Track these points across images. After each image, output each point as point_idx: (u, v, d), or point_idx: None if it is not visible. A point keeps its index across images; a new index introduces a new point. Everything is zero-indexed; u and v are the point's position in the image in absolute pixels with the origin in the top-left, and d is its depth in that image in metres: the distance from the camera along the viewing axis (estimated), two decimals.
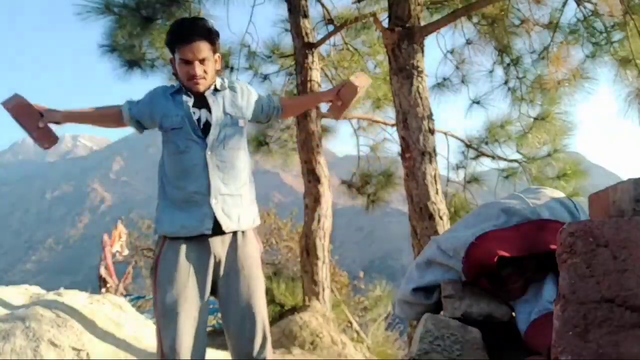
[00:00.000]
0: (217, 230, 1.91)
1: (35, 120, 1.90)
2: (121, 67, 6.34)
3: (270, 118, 2.21)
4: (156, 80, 6.79)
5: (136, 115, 2.02)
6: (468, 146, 7.13)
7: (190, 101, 1.97)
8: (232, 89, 2.06)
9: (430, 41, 5.04)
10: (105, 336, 3.01)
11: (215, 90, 2.01)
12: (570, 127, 6.54)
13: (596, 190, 1.29)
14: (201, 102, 1.98)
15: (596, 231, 1.07)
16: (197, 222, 1.89)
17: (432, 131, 4.30)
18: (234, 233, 1.96)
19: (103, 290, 9.40)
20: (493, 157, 7.04)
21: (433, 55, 7.20)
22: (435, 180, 4.24)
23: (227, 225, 1.92)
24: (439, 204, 4.19)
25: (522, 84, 6.47)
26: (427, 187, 4.18)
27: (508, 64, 6.47)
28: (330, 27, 6.64)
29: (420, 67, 4.34)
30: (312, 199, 5.88)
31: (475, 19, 6.08)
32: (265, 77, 7.51)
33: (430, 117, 4.31)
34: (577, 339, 1.02)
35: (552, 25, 5.70)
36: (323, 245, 5.88)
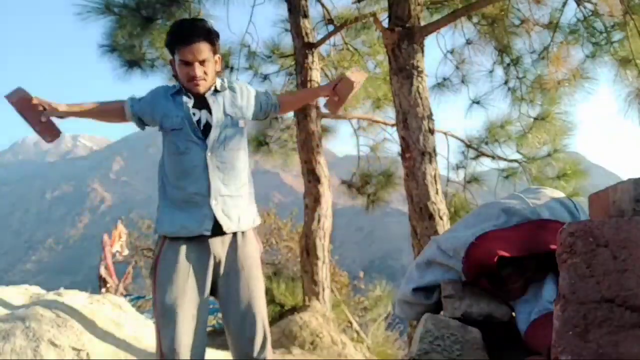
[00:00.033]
0: (217, 231, 1.91)
1: (38, 115, 1.90)
2: (121, 67, 6.34)
3: (268, 115, 2.21)
4: (156, 80, 6.80)
5: (138, 112, 2.02)
6: (468, 146, 7.13)
7: (190, 102, 1.97)
8: (232, 89, 2.06)
9: (430, 41, 5.04)
10: (105, 336, 3.01)
11: (216, 91, 2.01)
12: (570, 127, 6.54)
13: (596, 190, 1.29)
14: (201, 103, 1.98)
15: (596, 231, 1.07)
16: (197, 223, 1.90)
17: (432, 131, 4.30)
18: (234, 233, 1.96)
19: (103, 290, 9.40)
20: (493, 157, 7.04)
21: (433, 55, 7.21)
22: (435, 180, 4.24)
23: (227, 226, 1.92)
24: (439, 204, 4.19)
25: (522, 84, 6.47)
26: (427, 187, 4.18)
27: (508, 64, 6.47)
28: (330, 27, 6.64)
29: (420, 67, 4.34)
30: (312, 199, 5.88)
31: (475, 19, 6.08)
32: (265, 77, 7.51)
33: (430, 117, 4.31)
34: (577, 339, 1.02)
35: (552, 25, 5.70)
36: (323, 245, 5.88)
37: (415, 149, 4.21)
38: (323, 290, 5.80)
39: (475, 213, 1.98)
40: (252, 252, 2.00)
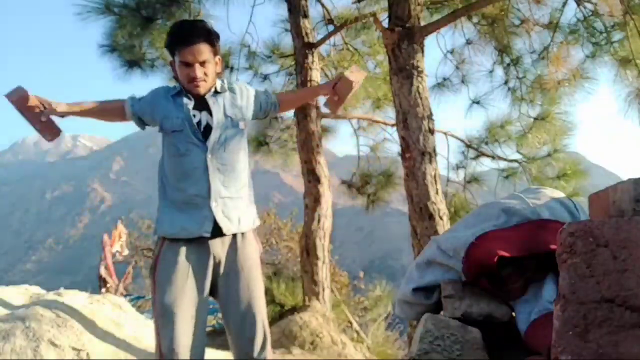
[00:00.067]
0: (217, 232, 1.91)
1: (38, 114, 1.90)
2: (121, 67, 6.34)
3: (267, 114, 2.22)
4: (156, 80, 6.81)
5: (138, 112, 2.02)
6: (468, 146, 7.13)
7: (190, 104, 1.96)
8: (232, 90, 2.06)
9: (430, 41, 5.05)
10: (105, 336, 3.01)
11: (216, 92, 2.01)
12: (570, 127, 6.54)
13: (596, 190, 1.29)
14: (202, 104, 1.98)
15: (596, 231, 1.07)
16: (197, 225, 1.90)
17: (432, 131, 4.30)
18: (234, 234, 1.96)
19: (103, 290, 9.41)
20: (493, 157, 7.04)
21: (433, 55, 7.21)
22: (435, 180, 4.24)
23: (227, 228, 1.92)
24: (439, 204, 4.19)
25: (522, 84, 6.47)
26: (427, 187, 4.18)
27: (508, 64, 6.47)
28: (330, 27, 6.64)
29: (420, 67, 4.34)
30: (312, 199, 5.88)
31: (475, 19, 6.08)
32: (265, 77, 7.51)
33: (430, 117, 4.31)
34: (577, 339, 1.02)
35: (552, 25, 5.70)
36: (323, 245, 5.88)
37: (415, 149, 4.21)
38: (323, 290, 5.80)
39: (475, 213, 1.98)
40: (252, 253, 2.00)
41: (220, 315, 2.07)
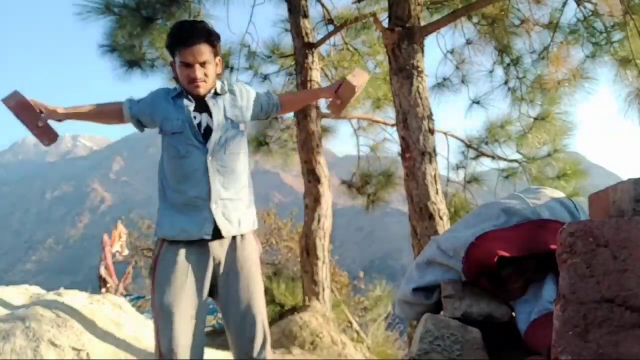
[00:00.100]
0: (217, 234, 1.91)
1: (36, 118, 1.89)
2: (121, 67, 6.34)
3: (269, 115, 2.21)
4: (156, 80, 6.79)
5: (137, 114, 2.01)
6: (468, 146, 7.13)
7: (191, 106, 1.96)
8: (232, 91, 2.06)
9: (430, 41, 5.05)
10: (105, 336, 3.01)
11: (216, 94, 2.01)
12: (570, 127, 6.54)
13: (596, 190, 1.30)
14: (202, 106, 1.97)
15: (596, 231, 1.07)
16: (197, 227, 1.90)
17: (432, 131, 4.30)
18: (234, 235, 1.97)
19: (103, 290, 9.40)
20: (493, 157, 7.04)
21: (433, 55, 7.21)
22: (435, 180, 4.24)
23: (227, 230, 1.92)
24: (439, 204, 4.19)
25: (522, 84, 6.47)
26: (427, 187, 4.18)
27: (508, 64, 6.47)
28: (330, 27, 6.64)
29: (420, 67, 4.34)
30: (312, 199, 5.88)
31: (475, 19, 6.08)
32: (265, 77, 7.51)
33: (430, 117, 4.31)
34: (577, 339, 1.02)
35: (552, 25, 5.70)
36: (323, 245, 5.88)
37: (415, 149, 4.22)
38: (323, 290, 5.80)
39: (475, 213, 1.98)
40: (252, 253, 2.01)
41: (220, 315, 2.06)
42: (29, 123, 1.90)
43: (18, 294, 3.33)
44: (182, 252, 1.90)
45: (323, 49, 6.94)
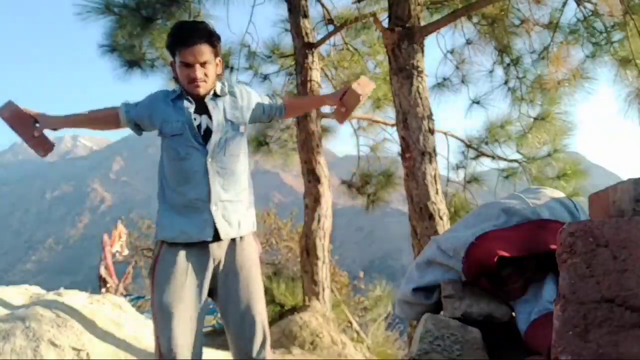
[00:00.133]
0: (217, 236, 1.92)
1: (31, 129, 1.86)
2: (121, 67, 6.34)
3: (272, 118, 2.21)
4: (156, 79, 6.81)
5: (134, 118, 2.01)
6: (468, 146, 7.13)
7: (191, 107, 1.96)
8: (232, 93, 2.05)
9: (430, 41, 5.05)
10: (105, 336, 3.01)
11: (216, 95, 2.00)
12: (570, 127, 6.54)
13: (596, 190, 1.30)
14: (202, 108, 1.97)
15: (596, 231, 1.07)
16: (197, 229, 1.90)
17: (432, 131, 4.30)
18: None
19: (103, 290, 9.40)
20: (493, 157, 7.04)
21: (433, 55, 7.21)
22: (435, 180, 4.24)
23: (226, 232, 1.92)
24: (439, 204, 4.19)
25: (522, 84, 6.48)
26: (427, 187, 4.18)
27: (508, 64, 6.47)
28: (330, 27, 6.64)
29: (420, 67, 4.34)
30: (312, 199, 5.88)
31: (475, 19, 6.08)
32: (265, 77, 7.51)
33: (430, 117, 4.31)
34: (577, 339, 1.02)
35: (552, 25, 5.70)
36: (323, 245, 5.88)
37: (415, 149, 4.22)
38: (323, 290, 5.80)
39: (475, 213, 1.98)
40: (251, 253, 2.01)
41: (220, 315, 2.06)
42: (25, 134, 1.87)
43: (18, 294, 3.34)
44: (182, 252, 1.90)
45: (323, 49, 6.95)
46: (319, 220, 5.86)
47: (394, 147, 7.56)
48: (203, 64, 1.90)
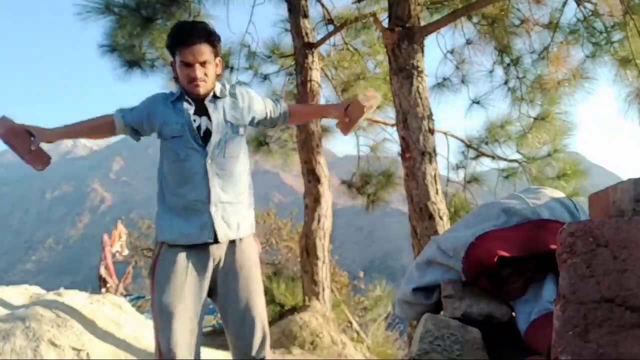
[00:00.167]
0: (217, 238, 1.92)
1: (27, 144, 1.83)
2: (121, 67, 6.34)
3: (276, 124, 2.20)
4: (156, 80, 6.80)
5: (131, 123, 2.00)
6: (468, 146, 7.13)
7: (191, 109, 1.96)
8: (233, 95, 2.05)
9: (430, 41, 5.05)
10: (105, 336, 3.01)
11: (215, 97, 2.00)
12: (570, 127, 6.54)
13: (596, 190, 1.30)
14: (201, 109, 1.97)
15: (596, 231, 1.07)
16: (197, 231, 1.90)
17: (432, 131, 4.30)
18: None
19: (103, 290, 9.40)
20: (493, 157, 7.04)
21: (433, 55, 7.21)
22: (435, 180, 4.24)
23: (225, 234, 1.92)
24: (439, 204, 4.19)
25: (522, 84, 6.47)
26: (427, 187, 4.18)
27: (508, 64, 6.47)
28: (330, 27, 6.64)
29: (420, 67, 4.34)
30: (312, 199, 5.88)
31: (475, 19, 6.08)
32: (265, 77, 7.51)
33: (430, 117, 4.31)
34: (577, 339, 1.02)
35: (552, 25, 5.70)
36: (323, 245, 5.88)
37: (415, 149, 4.22)
38: (323, 290, 5.80)
39: (475, 213, 1.98)
40: (251, 253, 2.01)
41: (219, 314, 2.05)
42: (21, 149, 1.83)
43: (18, 294, 3.34)
44: (182, 252, 1.90)
45: (323, 49, 6.95)
46: (319, 220, 5.86)
47: (394, 147, 7.57)
48: (203, 64, 1.90)
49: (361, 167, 7.63)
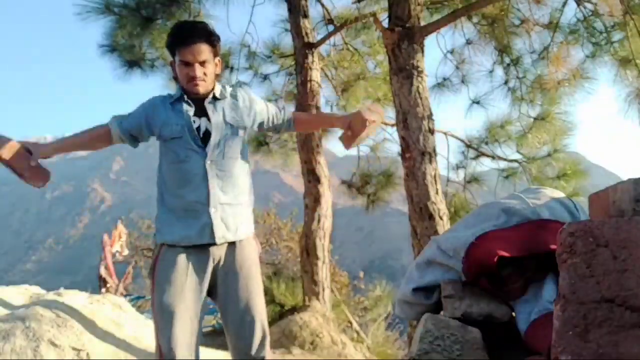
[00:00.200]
0: (216, 240, 1.92)
1: (26, 161, 1.81)
2: (121, 67, 6.34)
3: (279, 130, 2.20)
4: (156, 79, 6.81)
5: (129, 129, 2.00)
6: (468, 146, 7.13)
7: (190, 110, 1.96)
8: (233, 96, 2.05)
9: (430, 41, 5.04)
10: (105, 336, 3.01)
11: (215, 98, 2.00)
12: (570, 127, 6.54)
13: (596, 190, 1.30)
14: (201, 110, 1.97)
15: (596, 231, 1.07)
16: (197, 232, 1.90)
17: (432, 131, 4.30)
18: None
19: (103, 290, 9.41)
20: (493, 157, 7.04)
21: (433, 55, 7.21)
22: (435, 180, 4.24)
23: (224, 235, 1.92)
24: (439, 204, 4.19)
25: (522, 84, 6.47)
26: (427, 187, 4.18)
27: (508, 64, 6.47)
28: (330, 27, 6.64)
29: (420, 67, 4.34)
30: (312, 199, 5.88)
31: (475, 19, 6.08)
32: (265, 77, 7.52)
33: (430, 117, 4.31)
34: (577, 339, 1.02)
35: (552, 25, 5.70)
36: (323, 245, 5.88)
37: (415, 149, 4.21)
38: (323, 290, 5.80)
39: (475, 213, 1.98)
40: (251, 253, 2.01)
41: (220, 315, 2.05)
42: (19, 167, 1.79)
43: (18, 294, 3.34)
44: (182, 252, 1.90)
45: (323, 49, 6.95)
46: (319, 220, 5.86)
47: (394, 147, 7.56)
48: (202, 63, 1.91)
49: (361, 167, 7.63)
